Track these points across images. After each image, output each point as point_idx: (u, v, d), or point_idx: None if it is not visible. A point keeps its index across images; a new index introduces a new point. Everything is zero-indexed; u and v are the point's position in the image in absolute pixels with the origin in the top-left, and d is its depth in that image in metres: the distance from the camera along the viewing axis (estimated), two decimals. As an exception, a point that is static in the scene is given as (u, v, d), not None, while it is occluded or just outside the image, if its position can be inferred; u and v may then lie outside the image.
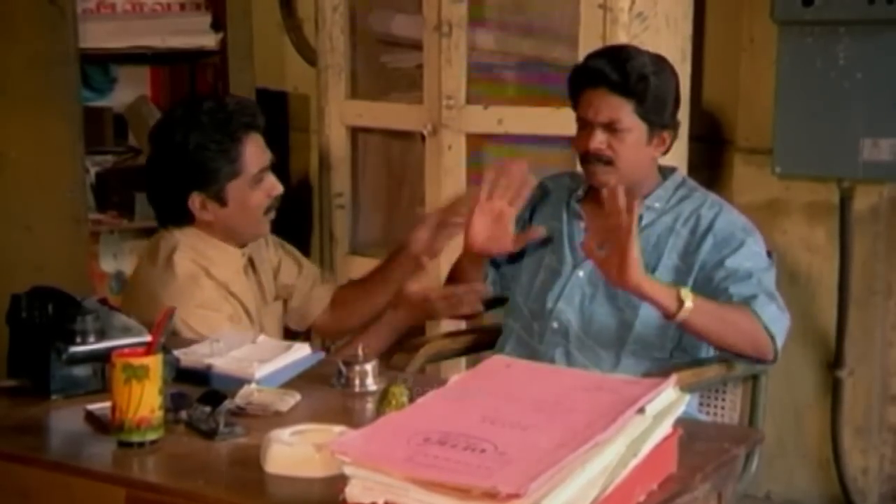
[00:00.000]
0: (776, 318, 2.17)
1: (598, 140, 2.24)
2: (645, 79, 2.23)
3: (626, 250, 2.03)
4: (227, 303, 2.36)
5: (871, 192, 3.03)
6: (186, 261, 2.34)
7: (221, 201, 2.34)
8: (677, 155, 2.83)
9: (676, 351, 2.26)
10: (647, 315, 2.21)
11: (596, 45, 2.77)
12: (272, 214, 2.42)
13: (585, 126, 2.27)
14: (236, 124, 2.33)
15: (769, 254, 2.34)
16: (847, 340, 3.08)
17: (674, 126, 2.31)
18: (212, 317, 2.30)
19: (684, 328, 2.14)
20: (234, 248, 2.41)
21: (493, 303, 2.50)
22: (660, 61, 2.30)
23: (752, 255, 2.23)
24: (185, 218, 2.37)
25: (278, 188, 2.40)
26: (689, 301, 2.08)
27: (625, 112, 2.24)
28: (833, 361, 3.12)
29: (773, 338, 2.16)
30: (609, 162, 2.25)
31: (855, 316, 3.07)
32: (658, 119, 2.26)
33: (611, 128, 2.24)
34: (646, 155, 2.28)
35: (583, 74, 2.30)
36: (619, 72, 2.23)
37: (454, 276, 2.47)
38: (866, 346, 3.11)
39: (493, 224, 2.33)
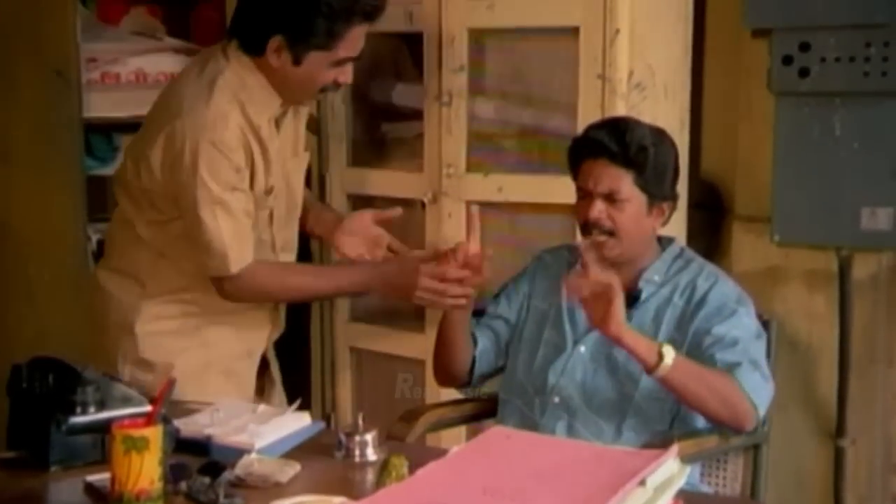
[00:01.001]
0: (759, 387, 2.17)
1: (598, 210, 2.26)
2: (644, 150, 2.25)
3: (611, 301, 2.06)
4: (240, 151, 2.33)
5: (869, 261, 3.04)
6: (226, 93, 2.34)
7: (297, 60, 2.34)
8: (676, 223, 2.84)
9: (677, 421, 2.26)
10: (646, 387, 2.21)
11: (595, 114, 2.81)
12: (324, 95, 2.48)
13: (585, 196, 2.29)
14: (358, 7, 2.32)
15: (766, 324, 2.35)
16: (849, 409, 3.07)
17: (673, 197, 2.33)
18: (218, 159, 2.30)
19: (664, 385, 2.14)
20: (277, 97, 2.40)
21: (493, 373, 2.50)
22: (659, 133, 2.33)
23: (740, 325, 2.23)
24: (255, 49, 2.35)
25: (347, 78, 2.40)
26: (668, 357, 2.09)
27: (624, 182, 2.26)
28: (835, 430, 3.11)
29: (755, 406, 2.16)
30: (609, 233, 2.26)
31: (856, 384, 3.07)
32: (657, 190, 2.28)
33: (610, 198, 2.26)
34: (645, 226, 2.30)
35: (583, 145, 2.32)
36: (618, 143, 2.25)
37: (441, 339, 2.47)
38: (868, 414, 3.09)
39: None
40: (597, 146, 2.28)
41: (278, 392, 2.71)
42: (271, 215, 2.48)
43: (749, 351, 2.20)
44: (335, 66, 2.36)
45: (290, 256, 2.59)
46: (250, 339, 2.57)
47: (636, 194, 2.26)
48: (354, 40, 2.35)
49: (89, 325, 2.60)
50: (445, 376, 2.51)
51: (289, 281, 2.48)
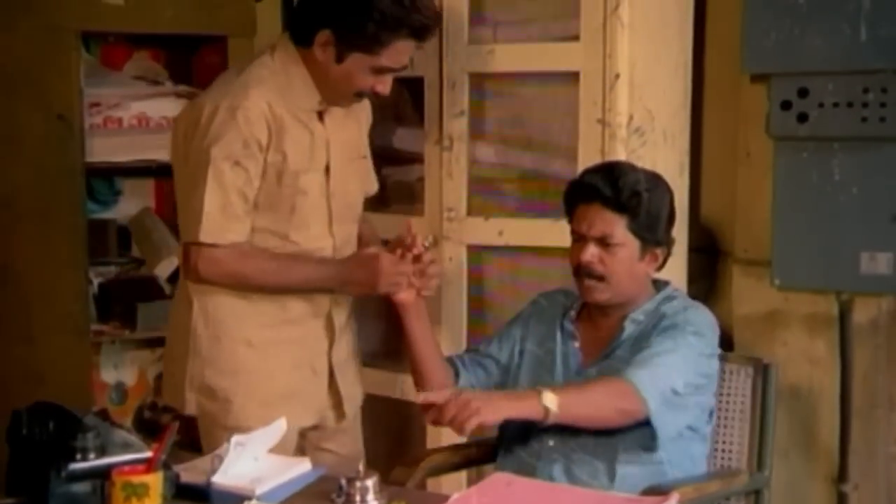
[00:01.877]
0: (646, 381, 2.16)
1: (590, 253, 2.28)
2: (638, 195, 2.27)
3: (466, 407, 2.07)
4: (255, 126, 2.34)
5: (870, 305, 3.04)
6: (258, 73, 2.40)
7: (340, 57, 2.37)
8: (676, 266, 2.85)
9: (663, 450, 2.24)
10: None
11: (595, 159, 2.82)
12: (360, 99, 2.47)
13: (579, 239, 2.31)
14: (409, 21, 2.34)
15: (766, 368, 2.35)
16: (850, 454, 3.06)
17: (667, 242, 2.34)
18: (228, 126, 2.33)
19: (562, 423, 2.16)
20: (317, 92, 2.43)
21: None
22: (654, 178, 2.34)
23: (676, 345, 2.22)
24: (304, 39, 2.39)
25: (386, 90, 2.42)
26: (553, 405, 2.10)
27: (617, 227, 2.27)
28: (837, 475, 3.09)
29: (639, 392, 2.15)
30: (601, 278, 2.28)
31: (858, 429, 3.05)
32: (651, 235, 2.29)
33: (603, 242, 2.27)
34: (638, 270, 2.31)
35: (578, 189, 2.34)
36: (612, 187, 2.27)
37: (411, 358, 2.49)
38: (870, 460, 3.08)
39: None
40: (591, 190, 2.30)
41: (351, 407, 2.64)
42: (294, 209, 2.44)
43: (660, 364, 2.19)
44: (375, 74, 2.39)
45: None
46: (310, 355, 2.53)
47: (629, 239, 2.28)
48: (398, 52, 2.38)
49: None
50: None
51: (254, 264, 2.43)
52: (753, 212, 3.18)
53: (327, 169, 2.48)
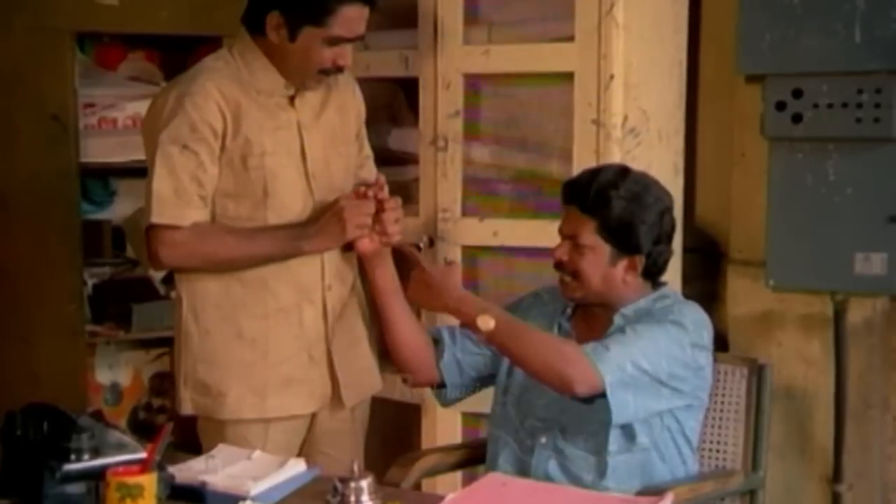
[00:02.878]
0: (605, 357, 2.16)
1: (561, 250, 2.32)
2: (606, 200, 2.25)
3: (422, 277, 2.32)
4: (204, 111, 2.37)
5: (864, 305, 3.04)
6: (214, 63, 2.46)
7: (292, 36, 2.38)
8: (671, 268, 2.84)
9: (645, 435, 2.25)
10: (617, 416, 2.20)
11: (589, 159, 2.83)
12: (325, 77, 2.44)
13: (560, 237, 2.34)
14: None
15: (761, 369, 2.35)
16: (845, 454, 3.06)
17: (654, 253, 2.31)
18: (178, 111, 2.37)
19: (490, 345, 2.32)
20: (280, 77, 2.44)
21: (486, 380, 2.49)
22: (641, 185, 2.30)
23: (649, 330, 2.22)
24: (257, 26, 2.42)
25: (346, 60, 2.41)
26: (486, 329, 2.21)
27: (586, 229, 2.28)
28: (832, 475, 3.10)
29: (592, 363, 2.15)
30: (573, 275, 2.31)
31: (852, 429, 3.06)
32: (623, 243, 2.27)
33: (574, 242, 2.30)
34: (612, 275, 2.29)
35: (562, 189, 2.38)
36: (584, 190, 2.29)
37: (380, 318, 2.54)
38: (865, 460, 3.09)
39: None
40: (567, 191, 2.34)
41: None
42: (266, 192, 2.43)
43: (626, 347, 2.19)
44: (330, 46, 2.38)
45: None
46: (307, 342, 2.50)
47: (599, 243, 2.28)
48: (348, 19, 2.37)
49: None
50: (402, 365, 2.51)
51: (215, 239, 2.43)
52: (748, 212, 3.19)
53: (304, 153, 2.48)
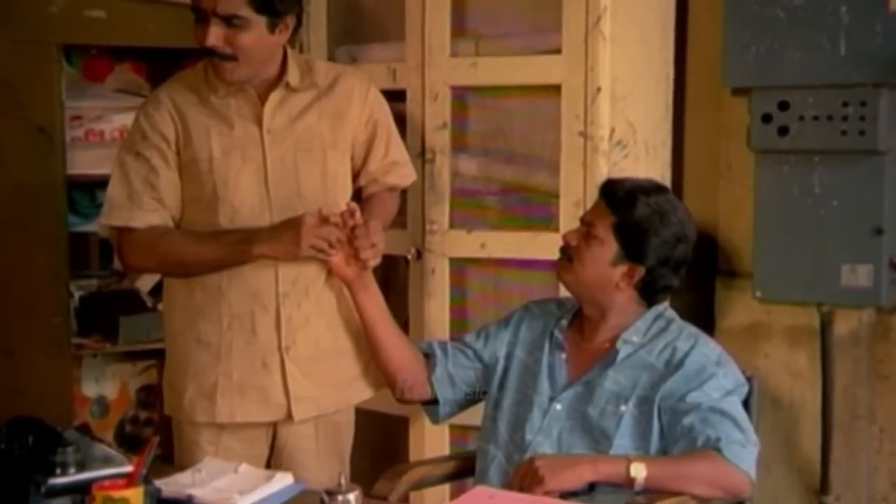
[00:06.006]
0: (744, 455, 2.18)
1: (572, 234, 2.36)
2: (633, 201, 2.30)
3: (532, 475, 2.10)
4: (154, 121, 2.46)
5: (850, 317, 3.05)
6: (166, 90, 2.53)
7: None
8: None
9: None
10: (620, 447, 2.22)
11: (577, 171, 2.84)
12: (220, 63, 2.41)
13: (579, 224, 2.39)
14: None
15: (749, 379, 2.35)
16: (832, 466, 3.07)
17: (651, 269, 2.32)
18: (135, 122, 2.51)
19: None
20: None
21: (478, 396, 2.49)
22: (669, 207, 2.34)
23: (719, 387, 2.24)
24: None
25: (203, 40, 2.39)
26: (640, 475, 2.12)
27: (604, 222, 2.32)
28: (819, 487, 3.10)
29: (746, 472, 2.17)
30: (570, 258, 2.34)
31: (839, 441, 3.07)
32: (631, 247, 2.30)
33: (588, 230, 2.33)
34: (606, 275, 2.31)
35: (602, 183, 2.44)
36: (618, 186, 2.36)
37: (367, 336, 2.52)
38: (852, 471, 3.09)
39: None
40: (604, 185, 2.39)
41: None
42: (216, 197, 2.46)
43: (728, 411, 2.20)
44: (195, 25, 2.42)
45: None
46: (262, 350, 2.50)
47: (610, 239, 2.30)
48: None
49: None
50: (392, 382, 2.50)
51: (168, 240, 2.47)
52: (735, 224, 3.20)
53: (264, 158, 2.48)
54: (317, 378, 2.54)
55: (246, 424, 2.50)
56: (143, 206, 2.46)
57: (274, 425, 2.55)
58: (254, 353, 2.49)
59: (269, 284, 2.49)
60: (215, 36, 2.37)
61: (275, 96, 2.50)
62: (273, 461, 2.56)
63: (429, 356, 2.50)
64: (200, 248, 2.45)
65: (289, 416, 2.52)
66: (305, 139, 2.53)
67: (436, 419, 2.55)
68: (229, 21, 2.37)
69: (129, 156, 2.49)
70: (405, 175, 2.73)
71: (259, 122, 2.49)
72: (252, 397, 2.50)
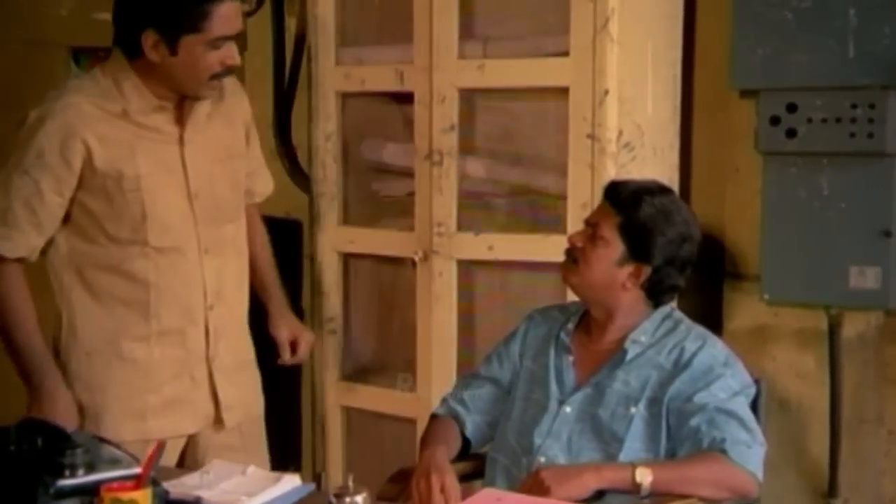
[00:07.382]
0: (750, 456, 2.18)
1: (578, 235, 2.35)
2: (638, 201, 2.29)
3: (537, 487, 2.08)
4: (54, 139, 2.33)
5: (858, 320, 3.05)
6: (80, 86, 2.40)
7: (173, 50, 2.33)
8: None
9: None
10: (632, 448, 2.22)
11: (584, 173, 2.84)
12: (219, 82, 2.40)
13: (584, 226, 2.38)
14: None
15: (757, 381, 2.35)
16: (840, 469, 3.06)
17: (657, 269, 2.32)
18: (27, 134, 2.35)
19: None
20: (153, 96, 2.39)
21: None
22: (673, 207, 2.33)
23: (725, 388, 2.24)
24: (134, 50, 2.36)
25: (234, 59, 2.37)
26: (645, 480, 2.12)
27: (609, 222, 2.30)
28: (827, 490, 3.10)
29: (752, 473, 2.17)
30: (575, 260, 2.33)
31: (847, 444, 3.06)
32: (637, 247, 2.29)
33: (594, 231, 2.32)
34: (612, 276, 2.30)
35: (606, 185, 2.42)
36: (623, 187, 2.35)
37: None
38: (859, 474, 3.09)
39: None
40: (609, 186, 2.38)
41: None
42: (144, 215, 2.40)
43: (736, 412, 2.20)
44: (214, 49, 2.35)
45: (216, 261, 2.52)
46: (190, 363, 2.49)
47: (615, 240, 2.29)
48: (226, 17, 2.34)
49: None
50: None
51: (4, 293, 2.40)
52: (742, 227, 3.20)
53: (185, 171, 2.44)
54: (240, 386, 2.58)
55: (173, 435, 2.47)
56: (16, 227, 2.36)
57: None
58: (183, 368, 2.49)
59: (199, 299, 2.48)
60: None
61: (188, 107, 2.45)
62: (190, 463, 2.51)
63: (454, 417, 2.47)
64: (17, 335, 2.39)
65: (218, 422, 2.53)
66: (215, 149, 2.51)
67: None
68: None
69: (16, 172, 2.36)
70: (267, 181, 2.72)
71: (179, 135, 2.45)
72: (184, 411, 2.49)
